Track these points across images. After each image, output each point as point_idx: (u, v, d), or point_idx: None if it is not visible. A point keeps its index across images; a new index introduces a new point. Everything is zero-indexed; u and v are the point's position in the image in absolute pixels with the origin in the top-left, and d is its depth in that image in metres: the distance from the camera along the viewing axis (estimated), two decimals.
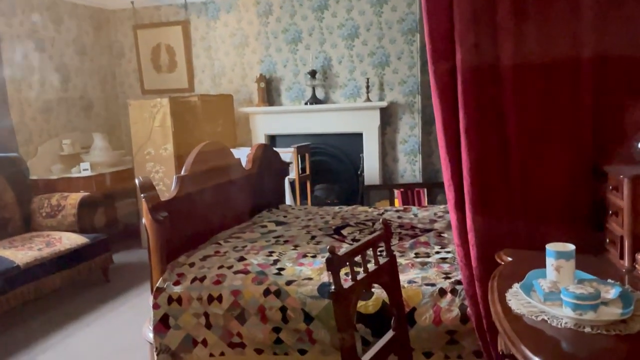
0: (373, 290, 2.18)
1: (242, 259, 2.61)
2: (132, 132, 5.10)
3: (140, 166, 5.06)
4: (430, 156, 5.49)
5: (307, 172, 5.20)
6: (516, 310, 1.35)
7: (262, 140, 5.71)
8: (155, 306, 2.44)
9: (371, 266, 1.71)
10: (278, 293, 2.31)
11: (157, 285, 2.49)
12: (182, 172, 2.91)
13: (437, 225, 3.11)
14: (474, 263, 1.92)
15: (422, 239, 2.85)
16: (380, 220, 1.87)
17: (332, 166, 5.69)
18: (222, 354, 2.38)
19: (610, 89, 1.84)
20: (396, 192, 5.25)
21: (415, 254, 2.59)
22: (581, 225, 1.87)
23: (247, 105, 5.88)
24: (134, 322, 3.41)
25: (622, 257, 1.62)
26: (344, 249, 1.77)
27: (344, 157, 5.65)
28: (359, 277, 1.61)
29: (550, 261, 1.42)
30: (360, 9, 5.42)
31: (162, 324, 2.43)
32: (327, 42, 5.56)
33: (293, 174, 4.83)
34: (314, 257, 2.61)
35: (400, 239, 2.86)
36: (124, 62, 6.34)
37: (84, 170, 5.11)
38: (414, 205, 4.89)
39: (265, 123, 5.77)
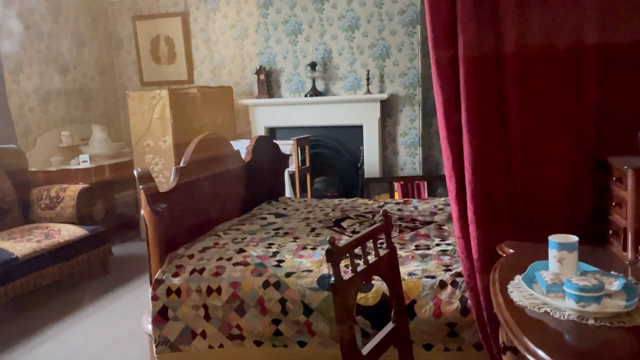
0: (373, 282, 2.17)
1: (241, 250, 2.60)
2: (131, 123, 5.08)
3: (139, 158, 5.04)
4: (431, 149, 5.47)
5: (307, 164, 5.18)
6: (518, 302, 1.34)
7: (261, 132, 5.68)
8: (154, 298, 2.43)
9: (371, 258, 1.70)
10: (277, 285, 2.29)
11: (156, 277, 2.47)
12: (181, 164, 2.89)
13: (437, 218, 3.10)
14: (475, 255, 1.90)
15: (422, 231, 2.83)
16: (381, 212, 1.85)
17: (332, 159, 5.67)
18: (221, 345, 2.37)
19: (614, 79, 1.82)
20: (396, 184, 5.24)
21: (416, 246, 2.58)
22: (583, 217, 1.85)
23: (246, 97, 5.85)
24: (133, 313, 3.41)
25: (625, 248, 1.61)
26: (343, 240, 1.75)
27: (344, 149, 5.63)
28: (358, 269, 1.59)
29: (552, 253, 1.40)
30: (361, 1, 5.37)
31: (161, 316, 2.42)
32: (327, 33, 5.52)
33: (293, 166, 4.81)
34: (313, 249, 2.59)
35: (401, 231, 2.84)
36: (123, 54, 6.31)
37: (83, 162, 5.09)
38: (414, 198, 4.88)
39: (265, 115, 5.74)
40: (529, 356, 1.12)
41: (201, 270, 2.44)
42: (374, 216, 3.22)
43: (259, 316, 2.30)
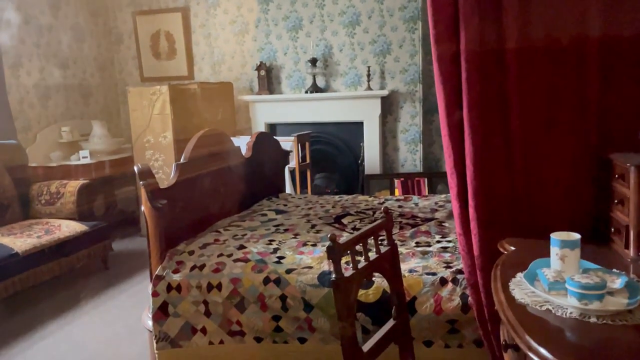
0: (374, 279, 2.17)
1: (241, 247, 2.59)
2: (132, 119, 5.07)
3: (139, 154, 5.04)
4: (431, 145, 5.46)
5: (308, 160, 5.17)
6: (520, 300, 1.33)
7: (262, 128, 5.67)
8: (155, 294, 2.43)
9: (372, 255, 1.69)
10: (278, 281, 2.29)
11: (156, 273, 2.47)
12: (182, 160, 2.89)
13: (438, 215, 3.10)
14: (475, 252, 1.90)
15: (423, 228, 2.83)
16: (382, 208, 1.84)
17: (332, 155, 5.66)
18: (222, 342, 2.37)
19: (617, 74, 1.81)
20: (396, 181, 5.24)
21: (416, 243, 2.57)
22: (585, 214, 1.84)
23: (247, 93, 5.84)
24: (133, 309, 3.41)
25: (627, 246, 1.60)
26: (344, 237, 1.75)
27: (345, 146, 5.62)
28: (359, 266, 1.59)
29: (554, 250, 1.40)
30: None
31: (161, 312, 2.41)
32: (328, 29, 5.51)
33: (293, 162, 4.80)
34: (314, 245, 2.59)
35: (401, 228, 2.84)
36: (123, 49, 6.29)
37: (83, 157, 5.08)
38: (414, 194, 4.87)
39: (266, 111, 5.73)
40: (530, 354, 1.12)
41: (201, 267, 2.43)
42: (374, 213, 3.21)
43: (260, 312, 2.30)
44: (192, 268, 2.44)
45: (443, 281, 2.16)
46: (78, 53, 5.77)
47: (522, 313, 1.28)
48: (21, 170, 4.41)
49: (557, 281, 1.32)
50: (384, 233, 1.82)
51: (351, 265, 1.57)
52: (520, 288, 1.39)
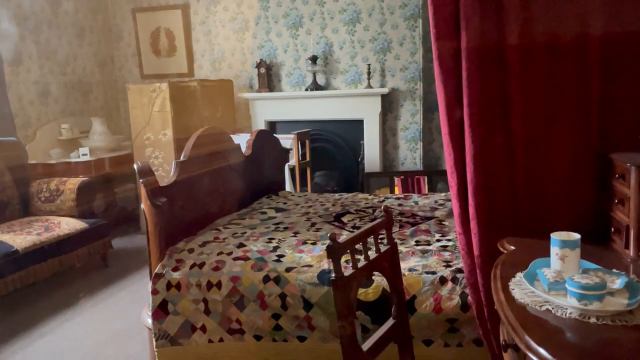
0: (373, 277, 2.17)
1: (241, 245, 2.59)
2: (131, 117, 5.06)
3: (139, 151, 5.03)
4: (431, 143, 5.45)
5: (307, 158, 5.16)
6: (520, 300, 1.33)
7: (262, 126, 5.66)
8: (154, 292, 2.43)
9: (372, 254, 1.69)
10: (277, 280, 2.29)
11: (156, 271, 2.47)
12: (182, 158, 2.89)
13: (437, 213, 3.09)
14: (475, 251, 1.90)
15: (423, 226, 2.83)
16: (382, 207, 1.84)
17: (332, 153, 5.65)
18: (221, 340, 2.37)
19: (618, 73, 1.80)
20: (396, 179, 5.23)
21: (416, 241, 2.57)
22: (585, 213, 1.84)
23: (247, 91, 5.83)
24: (132, 307, 3.41)
25: (627, 246, 1.60)
26: (344, 236, 1.75)
27: (345, 144, 5.61)
28: (359, 265, 1.59)
29: (554, 250, 1.40)
30: None
31: (160, 310, 2.41)
32: (328, 27, 5.50)
33: (293, 160, 4.80)
34: (313, 244, 2.59)
35: (401, 227, 2.83)
36: (123, 46, 6.28)
37: (83, 155, 5.08)
38: (414, 192, 4.87)
39: (266, 109, 5.73)
40: (530, 354, 1.12)
41: (201, 265, 2.43)
42: (374, 211, 3.21)
43: (259, 311, 2.30)
44: (192, 266, 2.44)
45: (443, 280, 2.16)
46: (78, 50, 5.76)
47: (521, 313, 1.28)
48: (21, 167, 4.40)
49: (557, 281, 1.32)
50: (384, 232, 1.81)
51: (351, 264, 1.57)
52: (520, 288, 1.38)
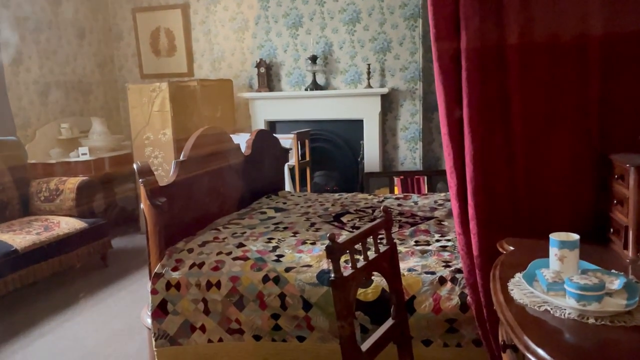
0: (373, 278, 2.17)
1: (241, 245, 2.59)
2: (131, 116, 5.06)
3: (139, 151, 5.03)
4: (431, 143, 5.46)
5: (307, 158, 5.16)
6: (519, 300, 1.33)
7: (261, 126, 5.66)
8: (154, 292, 2.43)
9: (371, 254, 1.69)
10: (277, 280, 2.29)
11: (155, 270, 2.47)
12: (181, 157, 2.89)
13: (437, 213, 3.09)
14: (475, 252, 1.90)
15: (422, 226, 2.83)
16: (381, 207, 1.84)
17: (332, 153, 5.65)
18: (221, 339, 2.37)
19: (619, 74, 1.80)
20: (396, 179, 5.23)
21: (416, 242, 2.57)
22: (585, 214, 1.84)
23: (246, 91, 5.83)
24: (132, 307, 3.41)
25: (626, 247, 1.60)
26: (344, 236, 1.75)
27: (344, 143, 5.61)
28: (358, 265, 1.59)
29: (553, 251, 1.40)
30: None
31: (160, 310, 2.42)
32: (328, 27, 5.50)
33: (293, 160, 4.80)
34: (313, 244, 2.59)
35: (400, 227, 2.84)
36: (123, 46, 6.28)
37: (83, 154, 5.08)
38: (413, 192, 4.87)
39: (265, 109, 5.73)
40: (529, 355, 1.12)
41: (201, 265, 2.44)
42: (373, 211, 3.21)
43: (258, 311, 2.30)
44: (192, 266, 2.44)
45: (442, 280, 2.16)
46: (78, 50, 5.76)
47: (520, 313, 1.28)
48: (20, 167, 4.40)
49: (555, 282, 1.32)
50: (383, 232, 1.82)
51: (350, 264, 1.57)
52: (519, 288, 1.39)
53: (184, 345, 2.41)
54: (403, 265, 2.19)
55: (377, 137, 5.40)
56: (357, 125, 5.49)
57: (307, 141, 5.14)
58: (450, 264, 2.26)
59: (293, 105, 5.62)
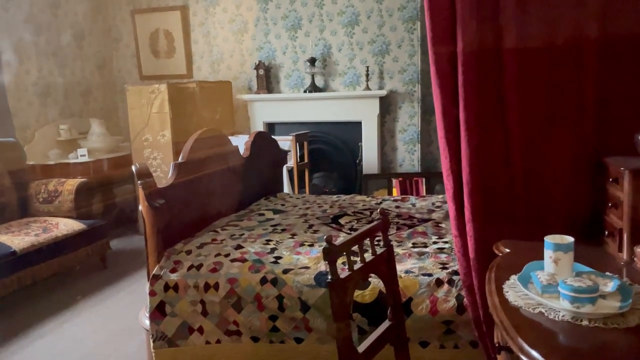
0: (370, 279, 2.18)
1: (239, 247, 2.60)
2: (130, 118, 5.06)
3: (137, 152, 5.03)
4: (430, 145, 5.47)
5: (306, 160, 5.17)
6: (513, 302, 1.34)
7: (260, 127, 5.67)
8: (152, 293, 2.43)
9: (368, 256, 1.70)
10: (275, 281, 2.30)
11: (153, 272, 2.48)
12: (180, 159, 2.90)
13: (434, 215, 3.11)
14: (471, 254, 1.91)
15: (420, 228, 2.84)
16: (378, 209, 1.85)
17: (330, 155, 5.66)
18: (219, 341, 2.38)
19: (615, 75, 1.81)
20: (394, 181, 5.25)
21: (413, 243, 2.58)
22: (582, 216, 1.85)
23: (245, 92, 5.84)
24: (130, 308, 3.41)
25: (620, 249, 1.61)
26: (341, 238, 1.76)
27: (343, 145, 5.63)
28: (356, 267, 1.60)
29: (548, 253, 1.41)
30: None
31: (158, 311, 2.42)
32: (327, 29, 5.51)
33: (291, 162, 4.81)
34: (311, 246, 2.60)
35: (398, 229, 2.85)
36: (122, 47, 6.29)
37: (81, 156, 5.08)
38: (412, 194, 4.88)
39: (264, 110, 5.74)
40: (522, 356, 1.13)
41: (199, 266, 2.44)
42: (371, 213, 3.22)
43: (256, 312, 2.31)
44: (190, 268, 2.45)
45: (439, 282, 2.17)
46: (77, 51, 5.77)
47: (515, 315, 1.29)
48: (19, 168, 4.40)
49: (550, 284, 1.34)
50: (381, 234, 1.83)
51: (347, 266, 1.58)
52: (514, 290, 1.40)
53: (182, 347, 2.41)
54: (400, 267, 2.20)
55: (376, 139, 5.41)
56: (355, 127, 5.50)
57: (305, 143, 5.15)
58: (447, 266, 2.27)
59: (292, 107, 5.63)
